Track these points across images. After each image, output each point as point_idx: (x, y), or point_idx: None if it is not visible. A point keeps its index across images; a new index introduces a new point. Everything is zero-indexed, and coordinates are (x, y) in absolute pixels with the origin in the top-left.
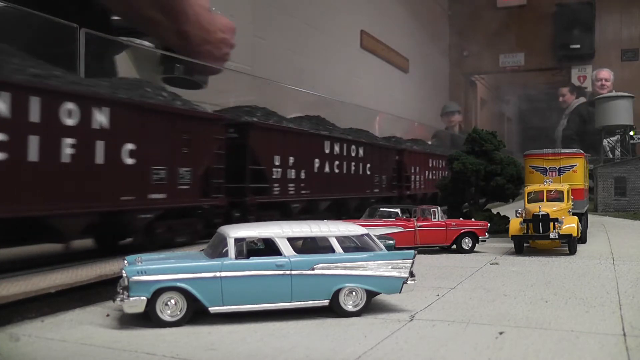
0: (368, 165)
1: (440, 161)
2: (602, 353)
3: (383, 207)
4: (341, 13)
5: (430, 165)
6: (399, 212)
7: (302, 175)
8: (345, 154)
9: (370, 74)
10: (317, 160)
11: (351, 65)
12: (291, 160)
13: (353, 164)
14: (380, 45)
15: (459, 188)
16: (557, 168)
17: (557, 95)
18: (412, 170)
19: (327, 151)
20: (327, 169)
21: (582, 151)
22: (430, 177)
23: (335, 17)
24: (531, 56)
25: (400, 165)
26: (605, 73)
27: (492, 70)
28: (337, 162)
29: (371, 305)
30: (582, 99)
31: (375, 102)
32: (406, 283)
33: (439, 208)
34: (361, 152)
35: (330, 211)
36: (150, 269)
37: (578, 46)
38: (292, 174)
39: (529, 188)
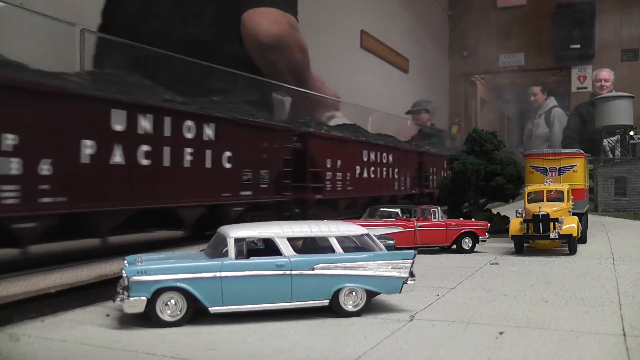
0: (227, 154)
1: (387, 155)
2: (602, 353)
3: (383, 207)
4: (341, 13)
5: (369, 159)
6: (399, 212)
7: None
8: (152, 130)
9: (370, 74)
10: (93, 142)
11: (351, 65)
12: None
13: (169, 149)
14: (380, 45)
15: (459, 188)
16: (557, 168)
17: (562, 97)
18: (329, 165)
19: (119, 129)
20: (118, 159)
21: (582, 151)
22: (370, 175)
23: (335, 17)
24: (531, 56)
25: (302, 156)
26: (605, 73)
27: (492, 70)
28: (124, 146)
29: (371, 305)
30: (553, 100)
31: (375, 102)
32: (406, 283)
33: (439, 208)
34: (191, 130)
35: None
36: (150, 269)
37: (578, 46)
38: None
39: (529, 188)
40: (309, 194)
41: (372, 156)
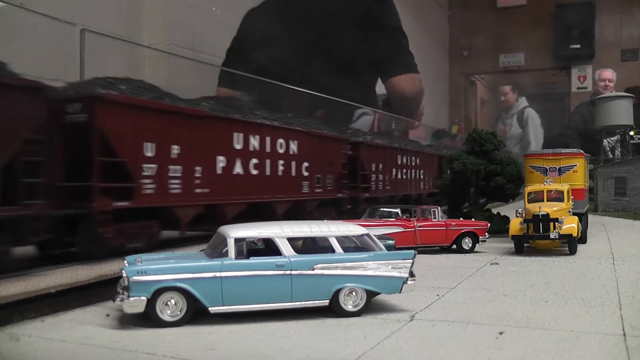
0: None
1: (287, 142)
2: (602, 353)
3: (383, 207)
4: None
5: (248, 147)
6: (399, 212)
7: None
8: None
9: None
10: None
11: None
12: None
13: None
14: None
15: (459, 188)
16: (557, 168)
17: (562, 97)
18: (150, 153)
19: None
20: None
21: (582, 151)
22: (251, 171)
23: None
24: (531, 56)
25: (87, 137)
26: (609, 73)
27: (492, 70)
28: None
29: (371, 305)
30: (524, 100)
31: None
32: (406, 283)
33: (439, 208)
34: None
35: None
36: (150, 269)
37: (578, 46)
38: None
39: (529, 188)
40: (100, 200)
41: (255, 142)
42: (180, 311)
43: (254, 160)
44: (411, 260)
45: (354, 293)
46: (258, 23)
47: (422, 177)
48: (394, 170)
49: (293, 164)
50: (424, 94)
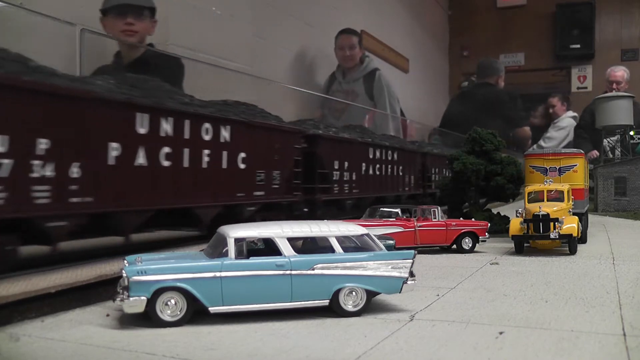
0: None
1: (216, 128)
2: (602, 353)
3: (383, 207)
4: (341, 13)
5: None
6: (399, 212)
7: None
8: None
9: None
10: None
11: None
12: None
13: None
14: (380, 45)
15: (459, 188)
16: (558, 168)
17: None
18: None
19: None
20: None
21: (582, 151)
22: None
23: (335, 17)
24: (531, 56)
25: None
26: (620, 73)
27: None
28: None
29: (371, 305)
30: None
31: None
32: (406, 283)
33: (439, 208)
34: None
35: None
36: (150, 269)
37: (578, 46)
38: None
39: (529, 188)
40: None
41: (169, 129)
42: (180, 311)
43: (166, 149)
44: (411, 260)
45: (354, 293)
46: (454, 106)
47: (401, 176)
48: (363, 168)
49: (224, 154)
50: (530, 136)
